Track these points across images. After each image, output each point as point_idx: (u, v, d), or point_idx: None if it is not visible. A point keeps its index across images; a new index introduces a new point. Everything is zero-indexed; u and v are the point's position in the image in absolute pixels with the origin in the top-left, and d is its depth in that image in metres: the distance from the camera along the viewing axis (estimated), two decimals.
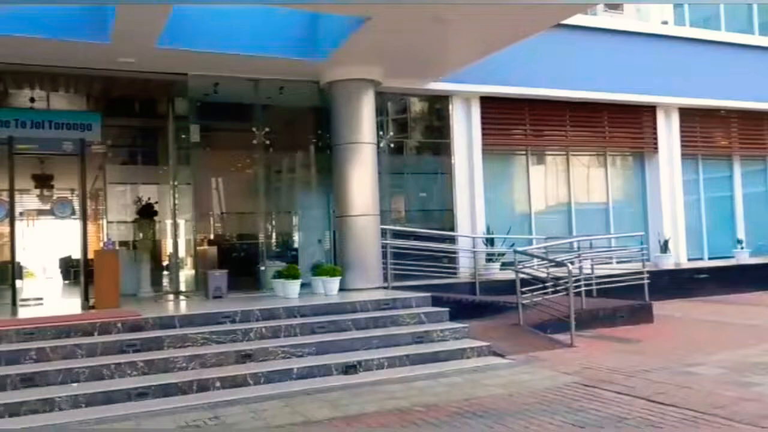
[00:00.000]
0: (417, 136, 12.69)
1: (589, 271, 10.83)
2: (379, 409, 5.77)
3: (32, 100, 10.87)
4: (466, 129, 12.20)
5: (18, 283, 10.48)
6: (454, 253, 11.89)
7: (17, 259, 10.43)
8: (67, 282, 17.00)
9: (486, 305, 10.50)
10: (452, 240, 11.95)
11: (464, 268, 11.85)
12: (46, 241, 19.88)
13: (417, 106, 12.69)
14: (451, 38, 9.45)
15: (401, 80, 11.08)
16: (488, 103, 12.33)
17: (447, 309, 8.72)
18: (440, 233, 11.78)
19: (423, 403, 5.92)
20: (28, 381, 6.20)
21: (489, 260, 11.95)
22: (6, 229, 11.35)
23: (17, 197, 10.27)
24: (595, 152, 13.97)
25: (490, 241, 12.08)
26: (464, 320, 8.64)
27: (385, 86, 10.85)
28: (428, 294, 9.14)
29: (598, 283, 10.94)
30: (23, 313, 8.92)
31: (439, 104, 12.37)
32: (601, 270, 11.37)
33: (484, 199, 12.25)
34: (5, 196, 11.08)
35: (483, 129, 12.29)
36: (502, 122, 12.68)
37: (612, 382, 6.47)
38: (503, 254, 11.78)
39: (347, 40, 9.03)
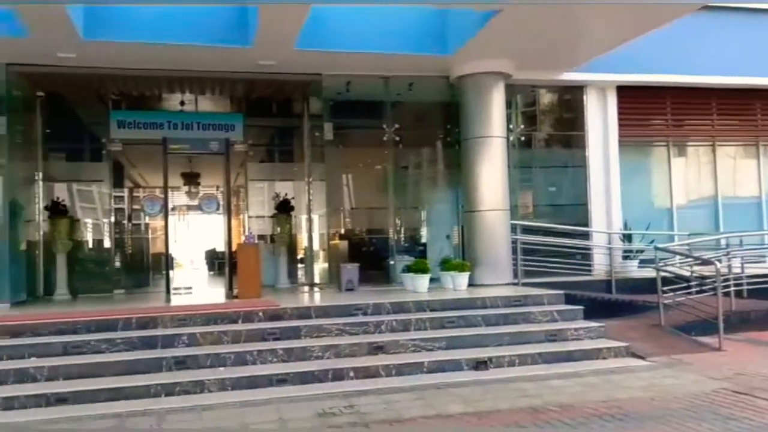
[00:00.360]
0: (547, 128, 12.36)
1: (739, 270, 10.17)
2: (512, 407, 5.70)
3: (182, 103, 11.77)
4: (601, 120, 11.75)
5: (170, 273, 11.37)
6: (588, 249, 11.47)
7: (169, 251, 11.33)
8: (211, 273, 18.22)
9: (623, 304, 10.08)
10: (586, 236, 11.54)
11: (599, 266, 11.42)
12: (193, 234, 21.35)
13: (547, 98, 12.35)
14: (586, 28, 9.12)
15: (532, 72, 10.85)
16: (625, 92, 11.80)
17: (581, 307, 8.44)
18: (573, 229, 11.41)
19: (557, 403, 5.77)
20: (181, 364, 6.70)
21: (626, 257, 11.43)
22: (160, 224, 12.37)
23: (169, 194, 11.10)
24: (746, 142, 12.94)
25: (627, 237, 11.56)
26: (599, 319, 8.30)
27: (515, 78, 10.66)
28: (561, 291, 8.87)
29: (749, 283, 10.24)
30: (175, 300, 9.70)
31: (571, 95, 11.97)
32: (753, 269, 10.56)
33: (621, 193, 11.73)
34: (159, 193, 12.07)
35: (620, 120, 11.80)
36: (641, 112, 12.11)
37: (767, 390, 5.99)
38: (642, 251, 11.22)
39: (478, 34, 8.96)
